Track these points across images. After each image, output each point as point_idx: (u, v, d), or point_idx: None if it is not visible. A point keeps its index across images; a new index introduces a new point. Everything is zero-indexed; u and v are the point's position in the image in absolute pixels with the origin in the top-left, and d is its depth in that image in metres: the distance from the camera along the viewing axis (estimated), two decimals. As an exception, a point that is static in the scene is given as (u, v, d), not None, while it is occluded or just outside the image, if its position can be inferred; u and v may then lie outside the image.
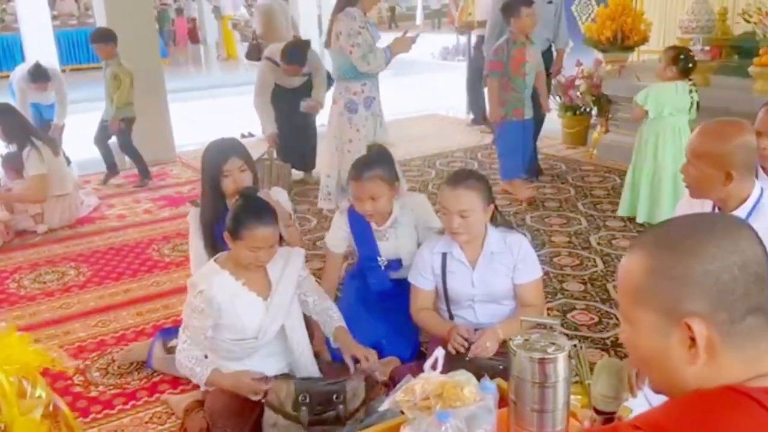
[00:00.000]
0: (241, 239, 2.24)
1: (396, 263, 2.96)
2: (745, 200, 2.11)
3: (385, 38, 4.64)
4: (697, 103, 4.24)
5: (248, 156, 2.81)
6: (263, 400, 2.21)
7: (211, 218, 2.71)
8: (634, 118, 4.37)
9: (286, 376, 2.40)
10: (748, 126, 2.25)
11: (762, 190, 2.13)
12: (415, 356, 2.79)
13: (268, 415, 2.21)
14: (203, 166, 2.81)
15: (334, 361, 2.69)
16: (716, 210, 2.20)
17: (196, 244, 2.80)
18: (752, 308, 0.89)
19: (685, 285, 0.90)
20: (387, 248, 2.97)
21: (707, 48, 5.65)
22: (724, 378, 0.89)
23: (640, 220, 4.35)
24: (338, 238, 3.03)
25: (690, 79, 4.26)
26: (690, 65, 4.21)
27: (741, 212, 2.11)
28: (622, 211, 4.50)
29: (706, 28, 5.88)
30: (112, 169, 5.99)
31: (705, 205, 2.25)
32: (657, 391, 1.01)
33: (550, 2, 5.42)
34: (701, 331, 0.89)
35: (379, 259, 2.98)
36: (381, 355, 2.78)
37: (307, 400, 2.21)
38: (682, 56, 4.21)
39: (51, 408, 1.83)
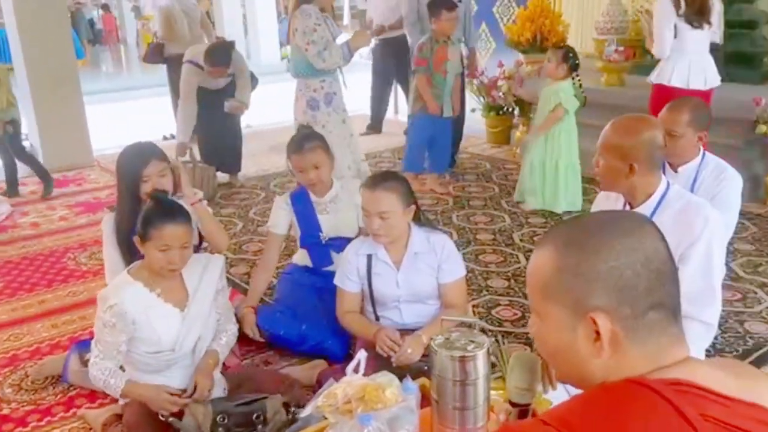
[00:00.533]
0: (150, 239, 2.17)
1: (338, 241, 2.97)
2: (651, 195, 2.20)
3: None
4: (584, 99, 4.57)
5: (167, 160, 2.75)
6: (179, 426, 2.14)
7: (128, 225, 2.60)
8: (556, 119, 4.48)
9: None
10: (656, 122, 2.35)
11: (668, 185, 2.23)
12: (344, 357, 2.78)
13: None
14: (120, 171, 2.72)
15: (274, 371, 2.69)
16: (626, 204, 2.28)
17: (110, 252, 2.69)
18: (654, 303, 0.92)
19: (590, 281, 0.92)
20: (328, 222, 3.02)
21: (621, 48, 5.86)
22: (627, 370, 0.92)
23: (560, 210, 4.56)
24: (279, 218, 3.07)
25: (576, 75, 4.52)
26: (578, 62, 4.52)
27: (648, 206, 2.20)
28: (538, 204, 4.67)
29: (620, 29, 6.12)
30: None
31: (619, 199, 2.34)
32: (563, 382, 1.05)
33: (459, 1, 5.47)
34: (605, 326, 0.91)
35: (320, 234, 3.02)
36: (314, 341, 2.80)
37: (225, 421, 2.16)
38: (570, 54, 4.47)
39: None
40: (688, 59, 4.22)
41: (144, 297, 2.22)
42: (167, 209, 2.23)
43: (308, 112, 4.37)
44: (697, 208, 2.17)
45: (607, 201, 2.43)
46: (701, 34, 4.23)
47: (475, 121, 6.53)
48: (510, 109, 6.57)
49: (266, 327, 2.89)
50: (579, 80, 4.54)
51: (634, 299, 0.91)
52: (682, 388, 0.87)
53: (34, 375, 2.85)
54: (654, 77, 4.38)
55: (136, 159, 2.67)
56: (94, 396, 2.67)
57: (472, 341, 1.72)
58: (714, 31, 4.30)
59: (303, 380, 2.60)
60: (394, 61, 6.65)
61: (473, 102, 6.63)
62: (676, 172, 2.79)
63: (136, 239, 2.23)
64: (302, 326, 2.85)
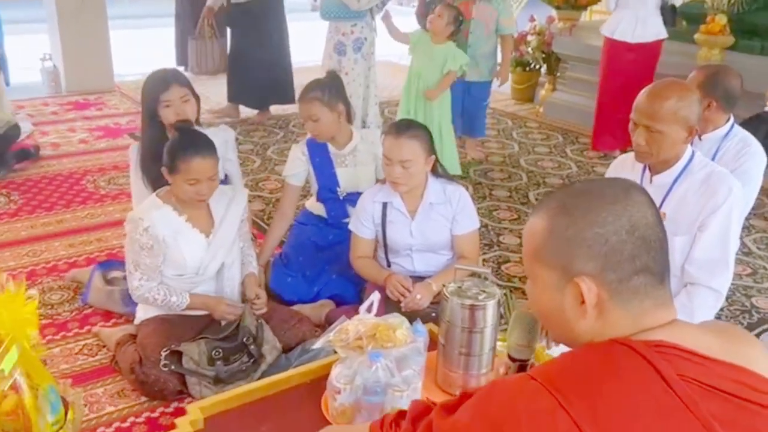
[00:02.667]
0: (178, 173, 2.20)
1: (355, 196, 2.92)
2: (675, 162, 2.19)
3: None
4: None
5: (191, 86, 2.72)
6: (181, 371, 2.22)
7: (152, 152, 2.61)
8: (450, 82, 4.20)
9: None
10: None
11: (693, 154, 2.22)
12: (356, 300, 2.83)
13: (192, 382, 2.21)
14: (143, 97, 2.71)
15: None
16: (646, 171, 2.27)
17: (136, 180, 2.72)
18: (639, 269, 0.95)
19: (577, 246, 0.96)
20: (346, 175, 2.97)
21: (657, 13, 5.72)
22: (612, 332, 0.96)
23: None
24: (296, 168, 3.00)
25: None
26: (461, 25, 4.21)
27: (671, 173, 2.19)
28: None
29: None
30: None
31: (636, 167, 2.32)
32: (557, 342, 1.09)
33: None
34: (591, 290, 0.95)
35: (338, 189, 2.98)
36: (328, 295, 2.83)
37: (220, 355, 2.23)
38: (460, 17, 4.15)
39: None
40: (630, 13, 4.52)
41: (173, 220, 2.28)
42: (194, 142, 2.25)
43: (334, 57, 4.28)
44: (721, 177, 2.16)
45: (623, 168, 2.41)
46: None
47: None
48: (537, 66, 6.47)
49: (278, 291, 2.86)
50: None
51: (619, 264, 0.94)
52: (663, 350, 0.91)
53: (68, 280, 3.00)
54: (603, 29, 4.71)
55: (158, 83, 2.65)
56: (109, 315, 2.75)
57: (484, 291, 1.76)
58: None
59: (312, 318, 2.66)
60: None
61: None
62: (700, 139, 2.76)
63: (163, 170, 2.26)
64: (314, 288, 2.86)
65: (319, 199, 3.07)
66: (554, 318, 1.03)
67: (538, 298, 1.04)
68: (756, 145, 2.75)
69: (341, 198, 2.99)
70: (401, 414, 1.19)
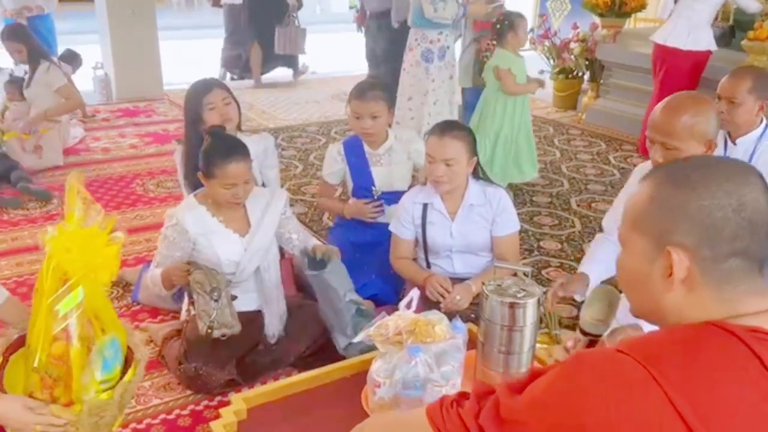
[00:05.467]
0: (214, 177, 2.26)
1: (390, 195, 2.98)
2: None
3: None
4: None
5: (231, 91, 2.83)
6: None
7: (194, 157, 2.66)
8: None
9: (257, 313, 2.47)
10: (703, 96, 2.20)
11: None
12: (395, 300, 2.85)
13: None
14: (186, 102, 2.82)
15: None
16: None
17: (182, 182, 2.82)
18: (737, 251, 0.91)
19: (677, 216, 0.93)
20: (382, 174, 3.02)
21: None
22: (699, 313, 0.93)
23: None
24: (332, 167, 3.08)
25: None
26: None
27: None
28: None
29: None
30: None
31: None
32: (636, 315, 1.06)
33: None
34: (682, 262, 0.92)
35: (373, 188, 3.02)
36: (367, 296, 2.85)
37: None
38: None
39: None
40: (684, 22, 4.61)
41: (206, 221, 2.34)
42: (228, 146, 2.31)
43: (421, 64, 4.39)
44: None
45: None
46: (698, 3, 4.59)
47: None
48: (580, 74, 6.43)
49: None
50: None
51: (716, 242, 0.91)
52: (760, 335, 0.88)
53: (118, 279, 3.03)
54: (655, 37, 4.79)
55: (200, 87, 2.79)
56: (156, 312, 2.84)
57: (524, 290, 1.77)
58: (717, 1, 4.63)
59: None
60: None
61: (542, 63, 6.52)
62: (734, 144, 2.69)
63: (200, 175, 2.32)
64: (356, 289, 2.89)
65: (354, 197, 3.12)
66: (639, 288, 1.00)
67: (627, 266, 1.02)
68: None
69: (376, 197, 3.04)
70: (463, 394, 1.15)
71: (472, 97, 4.79)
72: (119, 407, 1.61)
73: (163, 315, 2.80)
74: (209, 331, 2.16)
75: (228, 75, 7.42)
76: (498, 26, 4.13)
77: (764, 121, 2.70)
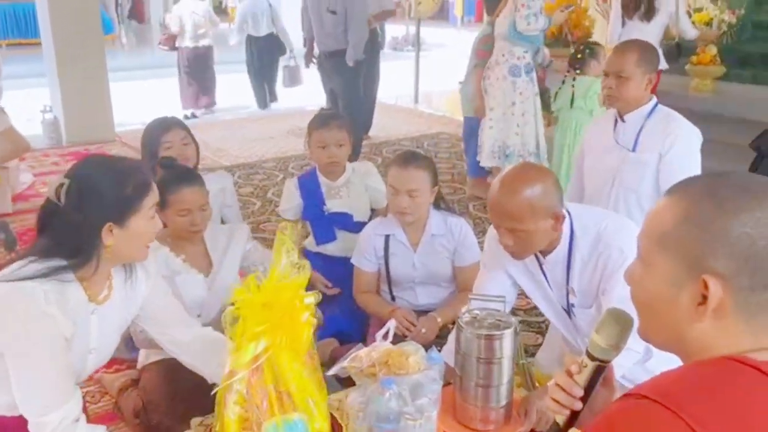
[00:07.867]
0: (168, 206, 2.21)
1: (341, 216, 2.94)
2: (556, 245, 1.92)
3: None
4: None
5: (190, 131, 2.78)
6: None
7: None
8: None
9: None
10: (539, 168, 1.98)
11: (571, 230, 1.92)
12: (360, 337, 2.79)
13: None
14: (144, 140, 2.76)
15: None
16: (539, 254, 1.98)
17: None
18: None
19: (717, 241, 0.86)
20: (339, 206, 2.97)
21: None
22: (726, 343, 0.88)
23: None
24: (289, 202, 3.04)
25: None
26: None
27: (561, 250, 1.93)
28: None
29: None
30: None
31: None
32: (646, 339, 1.00)
33: (333, 12, 5.28)
34: (716, 292, 0.86)
35: (324, 207, 2.96)
36: (331, 332, 2.79)
37: None
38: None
39: None
40: None
41: (170, 261, 2.27)
42: (179, 173, 2.28)
43: (508, 78, 4.46)
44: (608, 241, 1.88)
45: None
46: (646, 27, 4.72)
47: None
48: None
49: None
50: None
51: (756, 272, 0.85)
52: None
53: None
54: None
55: (158, 127, 2.73)
56: (111, 362, 2.70)
57: (500, 321, 1.73)
58: (663, 23, 4.79)
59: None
60: None
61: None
62: (624, 121, 2.61)
63: (155, 209, 2.25)
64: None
65: (305, 218, 3.05)
66: (659, 311, 0.93)
67: (648, 287, 0.93)
68: (685, 125, 2.55)
69: (326, 215, 2.96)
70: None
71: (472, 126, 4.86)
72: None
73: (118, 365, 2.68)
74: None
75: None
76: (579, 56, 4.36)
77: (654, 99, 2.61)
